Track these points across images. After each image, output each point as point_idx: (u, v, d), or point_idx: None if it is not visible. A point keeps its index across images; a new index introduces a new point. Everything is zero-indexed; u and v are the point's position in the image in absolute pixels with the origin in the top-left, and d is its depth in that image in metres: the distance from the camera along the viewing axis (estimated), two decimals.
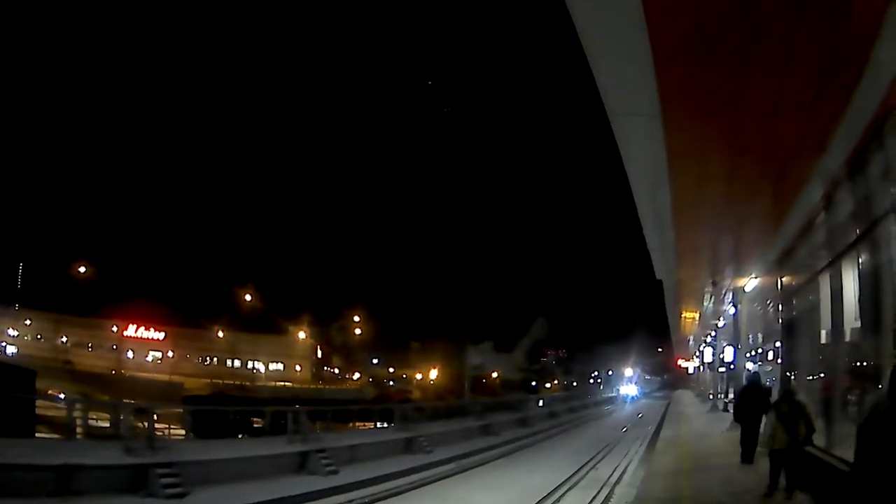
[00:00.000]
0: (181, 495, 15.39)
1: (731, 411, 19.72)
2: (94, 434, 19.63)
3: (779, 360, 18.64)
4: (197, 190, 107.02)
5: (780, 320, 18.39)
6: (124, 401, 24.00)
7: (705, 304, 31.68)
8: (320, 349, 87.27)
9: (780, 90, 8.14)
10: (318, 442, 21.32)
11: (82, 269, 68.25)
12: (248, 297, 74.51)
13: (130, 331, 75.50)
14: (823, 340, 13.08)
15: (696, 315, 37.78)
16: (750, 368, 22.74)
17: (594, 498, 17.49)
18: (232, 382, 66.48)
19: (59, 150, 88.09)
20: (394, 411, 30.02)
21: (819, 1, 6.47)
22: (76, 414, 18.63)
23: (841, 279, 11.41)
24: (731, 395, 26.85)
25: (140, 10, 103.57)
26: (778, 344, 18.97)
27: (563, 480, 20.05)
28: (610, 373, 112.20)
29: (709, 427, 23.81)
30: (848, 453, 7.49)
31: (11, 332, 72.32)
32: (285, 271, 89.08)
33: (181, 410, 26.04)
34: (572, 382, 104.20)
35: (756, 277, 21.87)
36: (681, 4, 6.77)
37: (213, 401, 44.92)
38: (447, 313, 74.04)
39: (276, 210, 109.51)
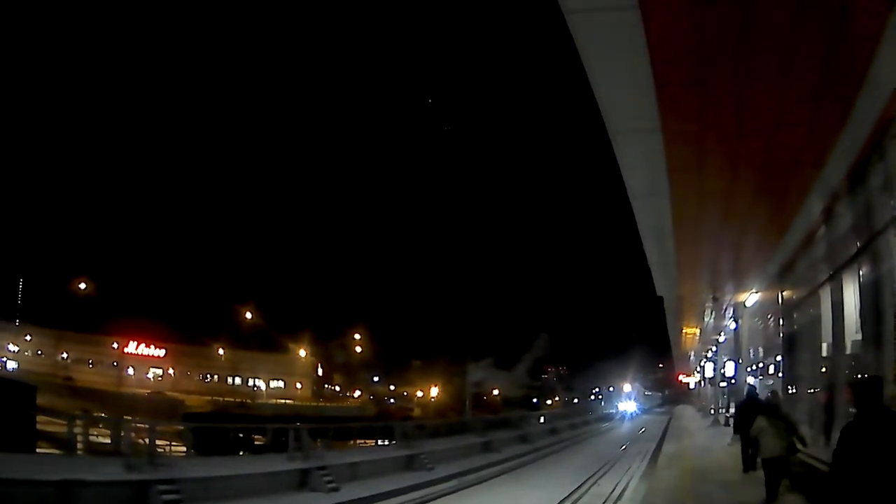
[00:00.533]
0: None
1: (732, 426, 19.82)
2: (94, 450, 19.55)
3: (780, 375, 18.64)
4: (198, 207, 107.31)
5: (781, 334, 18.41)
6: (125, 417, 23.90)
7: (706, 319, 31.66)
8: (321, 367, 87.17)
9: (779, 104, 8.22)
10: (319, 459, 21.19)
11: (83, 286, 68.10)
12: (248, 315, 74.52)
13: (131, 347, 75.39)
14: (825, 353, 13.11)
15: (697, 330, 37.75)
16: (750, 383, 22.71)
17: None
18: (233, 400, 66.24)
19: (61, 165, 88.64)
20: (395, 429, 29.86)
21: (818, 15, 6.54)
22: (77, 430, 18.56)
23: (842, 292, 11.45)
24: (732, 410, 26.79)
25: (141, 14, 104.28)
26: (779, 358, 18.97)
27: (564, 496, 19.92)
28: (611, 389, 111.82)
29: (710, 441, 23.73)
30: None
31: (12, 347, 72.21)
32: (286, 289, 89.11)
33: (182, 427, 25.95)
34: (573, 399, 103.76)
35: (757, 292, 21.90)
36: (680, 20, 6.85)
37: (213, 418, 44.75)
38: (448, 331, 74.18)
39: (277, 228, 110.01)
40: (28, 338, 74.77)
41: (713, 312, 28.61)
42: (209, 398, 65.58)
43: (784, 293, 18.02)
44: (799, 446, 10.78)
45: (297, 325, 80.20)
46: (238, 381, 79.70)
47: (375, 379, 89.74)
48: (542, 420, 51.02)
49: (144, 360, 76.59)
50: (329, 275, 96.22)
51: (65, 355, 75.00)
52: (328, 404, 75.43)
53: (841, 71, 7.32)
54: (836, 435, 10.51)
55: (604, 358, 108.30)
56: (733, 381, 27.35)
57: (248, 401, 67.64)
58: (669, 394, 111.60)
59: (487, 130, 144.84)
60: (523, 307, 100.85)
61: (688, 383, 71.26)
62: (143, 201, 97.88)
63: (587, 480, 23.36)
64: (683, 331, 38.48)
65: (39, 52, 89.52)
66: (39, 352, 74.02)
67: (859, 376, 8.84)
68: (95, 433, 21.28)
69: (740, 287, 21.76)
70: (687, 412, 60.03)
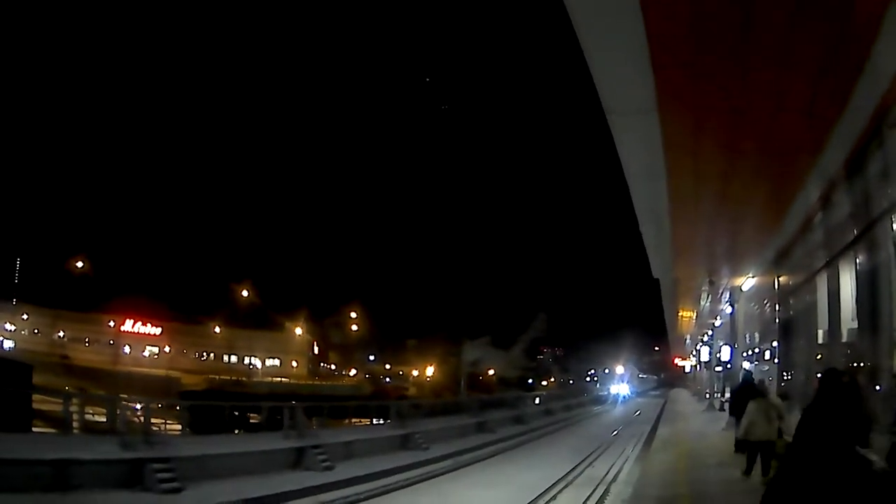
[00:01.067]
0: (177, 490, 15.33)
1: (727, 410, 19.88)
2: (90, 429, 19.58)
3: (776, 360, 18.67)
4: (194, 186, 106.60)
5: (777, 320, 18.42)
6: (120, 395, 23.93)
7: (702, 303, 31.71)
8: (317, 345, 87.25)
9: (778, 88, 8.13)
10: (314, 438, 21.27)
11: (80, 265, 67.88)
12: (244, 293, 74.35)
13: (127, 326, 75.31)
14: (820, 340, 13.11)
15: (693, 314, 37.85)
16: (746, 367, 22.76)
17: (590, 495, 17.51)
18: (228, 378, 66.37)
19: (57, 145, 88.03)
20: (390, 408, 29.95)
21: (818, 1, 6.45)
22: (72, 409, 18.58)
23: (838, 279, 11.44)
24: (727, 395, 26.89)
25: (139, 7, 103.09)
26: (775, 343, 18.99)
27: (559, 477, 20.06)
28: (606, 371, 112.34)
29: (705, 426, 23.80)
30: None
31: (8, 326, 72.27)
32: (282, 268, 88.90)
33: (178, 406, 26.01)
34: (569, 380, 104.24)
35: (753, 277, 21.90)
36: (678, 3, 6.75)
37: (209, 396, 44.91)
38: (444, 310, 74.18)
39: (273, 206, 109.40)
40: (25, 317, 74.77)
41: (709, 296, 28.65)
42: (205, 376, 65.62)
43: (781, 279, 18.01)
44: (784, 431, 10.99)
45: (293, 303, 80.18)
46: (234, 359, 79.82)
47: (371, 358, 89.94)
48: (537, 401, 51.29)
49: (141, 338, 76.60)
50: (325, 253, 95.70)
51: (61, 334, 75.13)
52: (324, 383, 75.59)
53: (840, 57, 7.23)
54: None
55: (600, 340, 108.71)
56: (729, 365, 27.39)
57: (244, 379, 67.82)
58: (665, 377, 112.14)
59: (485, 110, 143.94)
60: (520, 288, 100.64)
61: (683, 367, 71.58)
62: (139, 180, 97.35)
63: (582, 462, 23.52)
64: (680, 314, 38.58)
65: (39, 34, 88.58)
66: (36, 331, 74.00)
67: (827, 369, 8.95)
68: (91, 412, 21.30)
69: (737, 271, 21.74)
70: (682, 396, 60.39)
